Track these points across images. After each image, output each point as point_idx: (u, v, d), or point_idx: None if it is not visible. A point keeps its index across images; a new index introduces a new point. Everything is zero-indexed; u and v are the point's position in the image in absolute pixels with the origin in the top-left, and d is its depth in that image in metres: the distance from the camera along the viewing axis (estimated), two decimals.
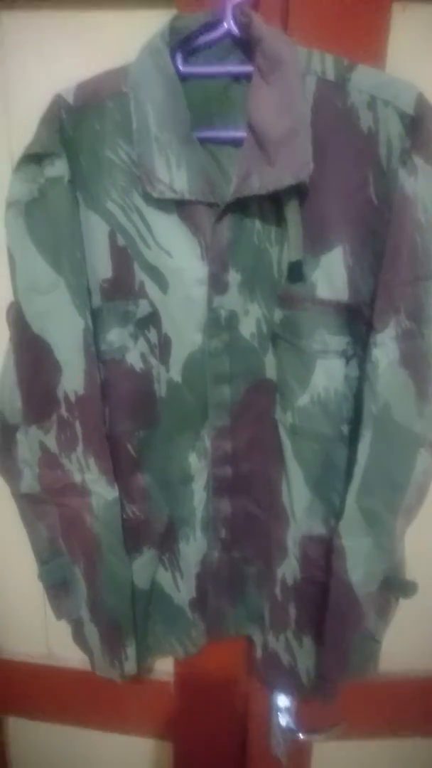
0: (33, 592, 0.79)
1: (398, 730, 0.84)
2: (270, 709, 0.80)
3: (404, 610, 0.75)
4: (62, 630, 0.75)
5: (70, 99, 0.56)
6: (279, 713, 0.80)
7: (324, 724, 0.80)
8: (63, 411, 0.62)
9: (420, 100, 0.51)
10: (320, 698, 0.66)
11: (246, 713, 0.84)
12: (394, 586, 0.64)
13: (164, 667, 0.85)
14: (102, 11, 0.61)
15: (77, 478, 0.64)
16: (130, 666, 0.69)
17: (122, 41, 0.56)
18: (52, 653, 0.89)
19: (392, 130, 0.52)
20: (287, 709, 0.80)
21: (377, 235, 0.55)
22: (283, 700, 0.80)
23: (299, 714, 0.79)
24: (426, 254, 0.53)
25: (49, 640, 0.88)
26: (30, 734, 0.95)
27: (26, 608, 0.86)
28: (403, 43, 0.57)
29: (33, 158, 0.56)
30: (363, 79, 0.52)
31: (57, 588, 0.72)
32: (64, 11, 0.61)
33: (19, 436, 0.66)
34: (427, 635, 0.80)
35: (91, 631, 0.70)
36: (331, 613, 0.59)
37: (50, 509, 0.69)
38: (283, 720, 0.80)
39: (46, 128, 0.56)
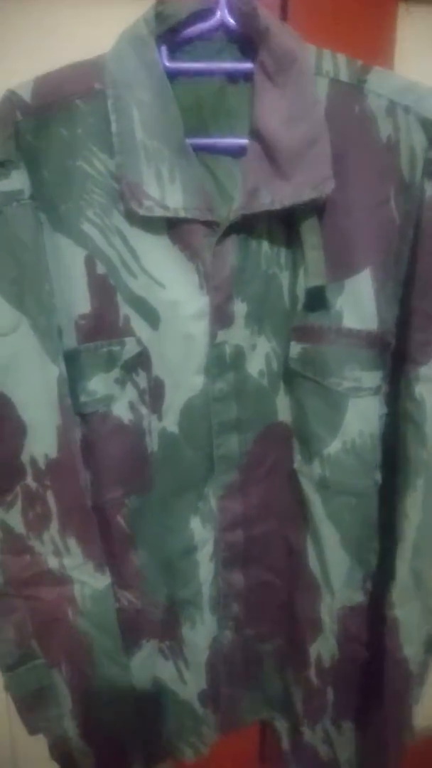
0: None
1: None
2: None
3: None
4: (32, 743, 0.60)
5: (27, 97, 0.46)
6: None
7: None
8: (30, 480, 0.50)
9: None
10: None
11: None
12: None
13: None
14: None
15: (52, 563, 0.52)
16: None
17: (91, 28, 0.46)
18: None
19: (415, 139, 0.46)
20: None
21: (400, 256, 0.49)
22: None
23: None
24: None
25: (17, 758, 0.72)
26: None
27: None
28: (410, 45, 0.52)
29: None
30: (381, 81, 0.46)
31: (30, 698, 0.58)
32: None
33: None
34: None
35: (82, 752, 0.56)
36: (389, 698, 0.51)
37: (18, 604, 0.55)
38: None
39: None
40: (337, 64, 0.46)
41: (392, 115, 0.46)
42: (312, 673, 0.57)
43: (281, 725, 0.62)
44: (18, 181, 0.45)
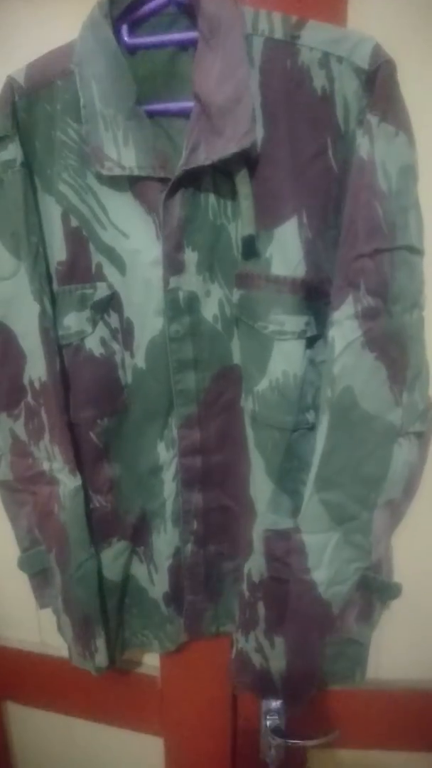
0: (25, 579, 0.79)
1: (392, 742, 0.78)
2: (260, 711, 0.76)
3: (402, 618, 0.70)
4: (52, 618, 0.75)
5: (22, 80, 0.56)
6: (268, 716, 0.77)
7: (316, 729, 0.76)
8: (30, 399, 0.62)
9: (376, 52, 0.47)
10: (290, 704, 0.62)
11: (235, 714, 0.81)
12: (373, 587, 0.59)
13: (152, 662, 0.83)
14: None
15: (45, 466, 0.64)
16: (101, 659, 0.68)
17: (74, 16, 0.54)
18: (45, 641, 0.89)
19: (348, 88, 0.48)
20: (277, 712, 0.76)
21: (339, 204, 0.51)
22: (273, 702, 0.76)
23: (290, 717, 0.75)
24: (390, 224, 0.48)
25: (42, 628, 0.89)
26: (29, 720, 0.96)
27: (19, 595, 0.87)
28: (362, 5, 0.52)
29: None
30: (314, 35, 0.48)
31: (37, 577, 0.73)
32: None
33: None
34: (427, 645, 0.74)
35: (65, 622, 0.69)
36: (291, 614, 0.55)
37: (27, 498, 0.69)
38: (273, 723, 0.76)
39: (0, 112, 0.56)
40: (272, 22, 0.49)
41: (326, 67, 0.48)
42: (244, 586, 0.63)
43: (235, 637, 0.69)
44: (12, 151, 0.56)
